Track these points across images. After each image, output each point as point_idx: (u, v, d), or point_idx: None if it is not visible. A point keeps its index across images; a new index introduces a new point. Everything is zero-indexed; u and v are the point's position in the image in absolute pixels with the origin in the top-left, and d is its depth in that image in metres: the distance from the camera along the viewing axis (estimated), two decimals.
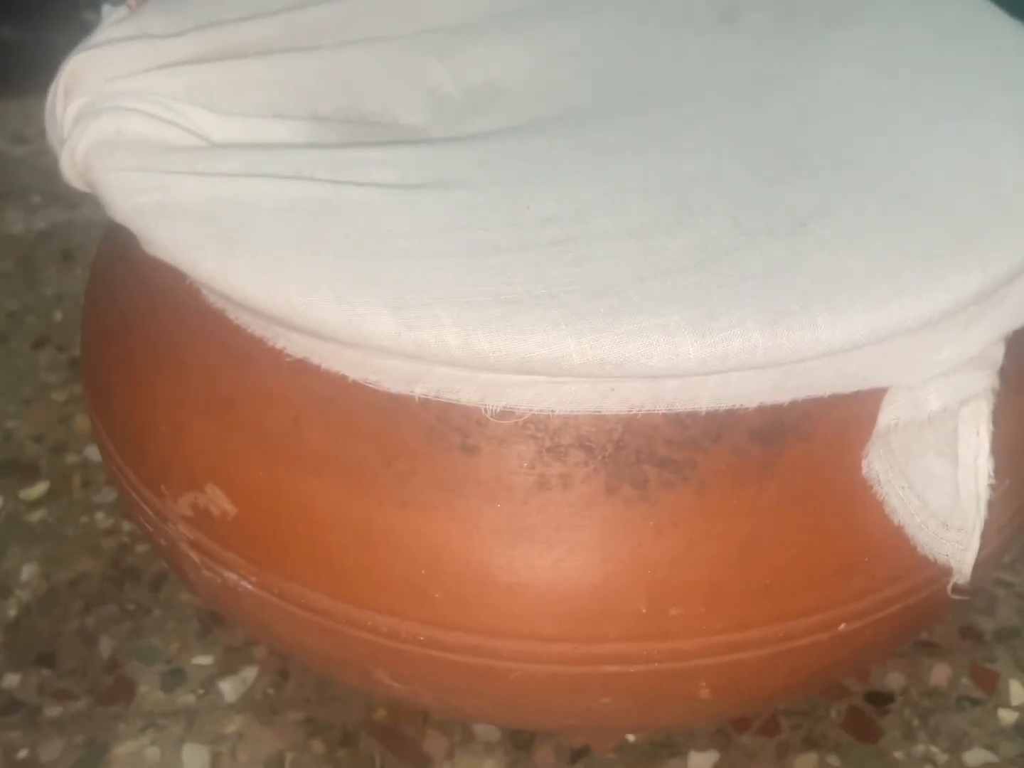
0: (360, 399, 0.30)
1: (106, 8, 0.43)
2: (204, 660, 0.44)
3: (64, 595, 0.47)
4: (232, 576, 0.33)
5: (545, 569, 0.30)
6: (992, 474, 0.30)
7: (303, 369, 0.31)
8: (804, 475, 0.31)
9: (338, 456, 0.31)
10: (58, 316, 0.61)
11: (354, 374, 0.30)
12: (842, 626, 0.32)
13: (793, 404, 0.30)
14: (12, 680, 0.44)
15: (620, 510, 0.30)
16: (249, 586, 0.33)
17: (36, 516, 0.50)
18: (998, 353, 0.31)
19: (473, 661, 0.31)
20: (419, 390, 0.30)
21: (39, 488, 0.51)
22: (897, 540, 0.31)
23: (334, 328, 0.28)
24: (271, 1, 0.41)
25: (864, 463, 0.31)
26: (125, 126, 0.34)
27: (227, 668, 0.44)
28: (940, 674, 0.45)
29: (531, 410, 0.29)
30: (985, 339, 0.30)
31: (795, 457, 0.30)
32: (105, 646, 0.45)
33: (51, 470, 0.52)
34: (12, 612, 0.46)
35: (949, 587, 0.31)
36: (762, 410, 0.30)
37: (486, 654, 0.31)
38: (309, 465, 0.31)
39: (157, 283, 0.34)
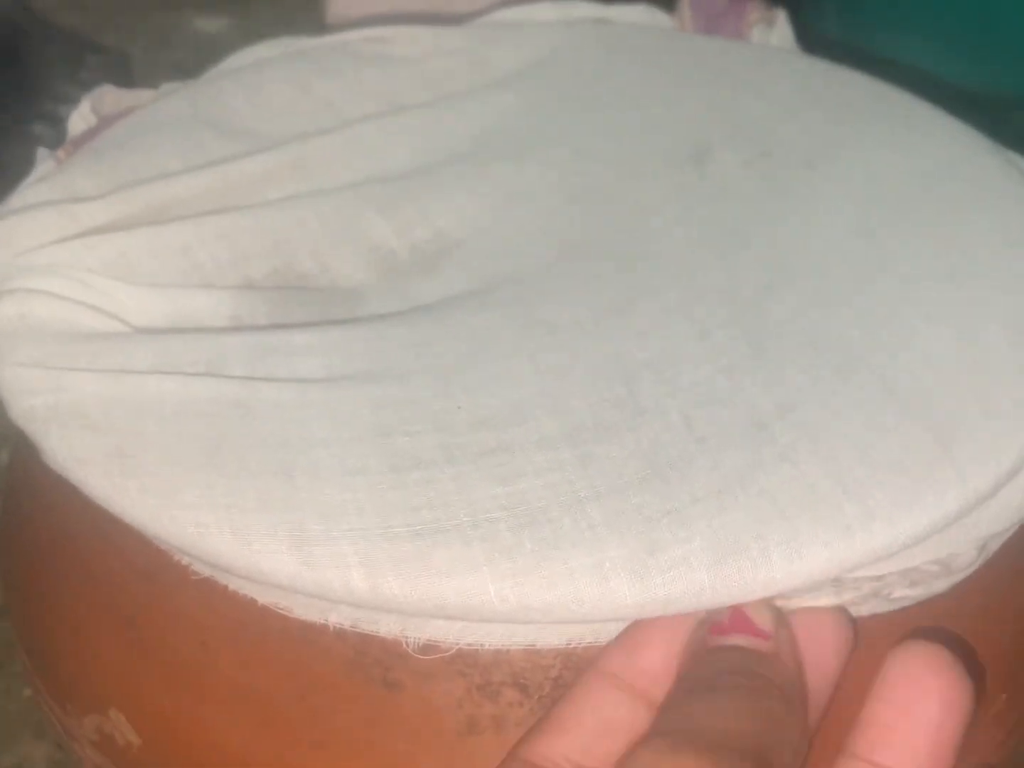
0: (271, 624, 0.27)
1: (40, 152, 0.40)
2: None
3: None
4: None
5: None
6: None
7: (210, 589, 0.28)
8: None
9: (249, 687, 0.28)
10: None
11: (263, 598, 0.27)
12: None
13: None
14: None
15: None
16: None
17: None
18: (967, 559, 0.27)
19: None
20: (334, 619, 0.27)
21: None
22: None
23: (229, 564, 0.25)
24: (207, 147, 0.39)
25: None
26: (30, 309, 0.31)
27: None
28: None
29: (458, 644, 0.26)
30: (958, 545, 0.27)
31: None
32: None
33: None
34: None
35: None
36: None
37: None
38: (217, 695, 0.28)
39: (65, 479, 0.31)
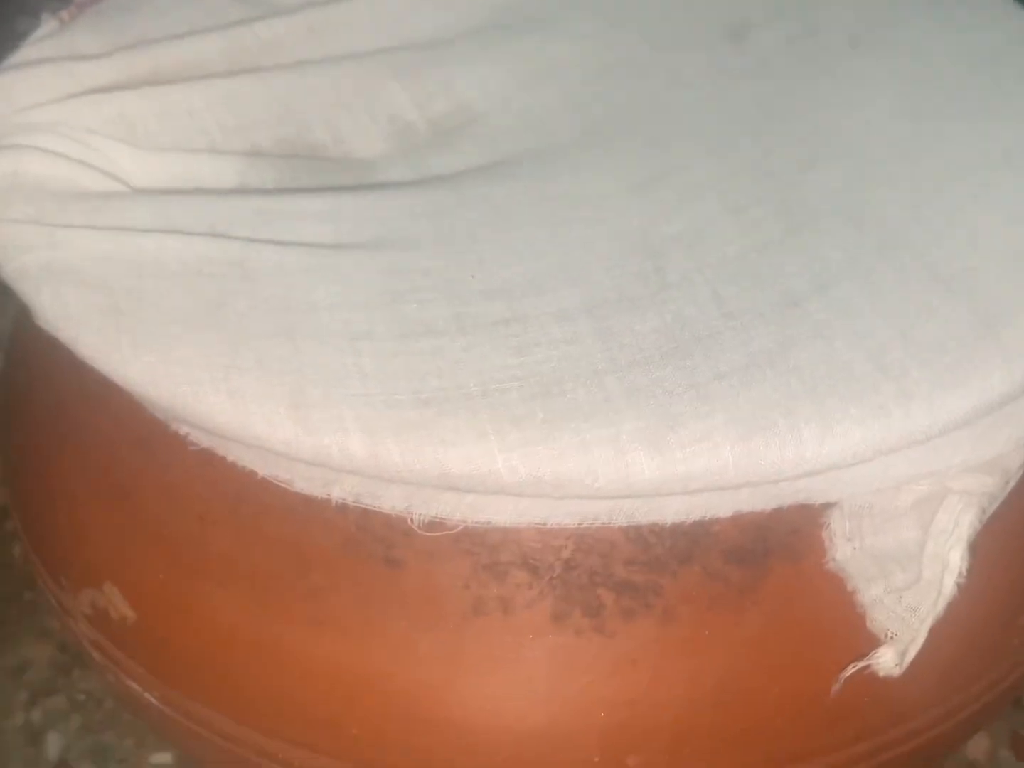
0: (271, 500, 0.26)
1: (44, 17, 0.39)
2: (162, 758, 0.40)
3: (7, 685, 0.43)
4: (134, 686, 0.29)
5: (481, 706, 0.26)
6: (964, 573, 0.25)
7: (208, 460, 0.26)
8: (791, 602, 0.26)
9: (246, 564, 0.27)
10: None
11: (263, 471, 0.26)
12: None
13: (778, 514, 0.25)
14: None
15: (569, 641, 0.25)
16: (152, 699, 0.29)
17: None
18: (1015, 461, 0.26)
19: None
20: (336, 493, 0.25)
21: None
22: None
23: (223, 426, 0.24)
24: (220, 12, 0.37)
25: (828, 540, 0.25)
26: (26, 166, 0.30)
27: (188, 765, 0.40)
28: (977, 747, 0.40)
29: (465, 521, 0.25)
30: (1003, 444, 0.25)
31: (781, 580, 0.26)
32: (53, 745, 0.41)
33: None
34: None
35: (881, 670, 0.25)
36: (740, 523, 0.25)
37: None
38: (214, 572, 0.27)
39: (60, 344, 0.29)
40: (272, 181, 0.31)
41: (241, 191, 0.30)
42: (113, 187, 0.30)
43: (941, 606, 0.24)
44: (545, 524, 0.25)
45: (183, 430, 0.27)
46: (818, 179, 0.30)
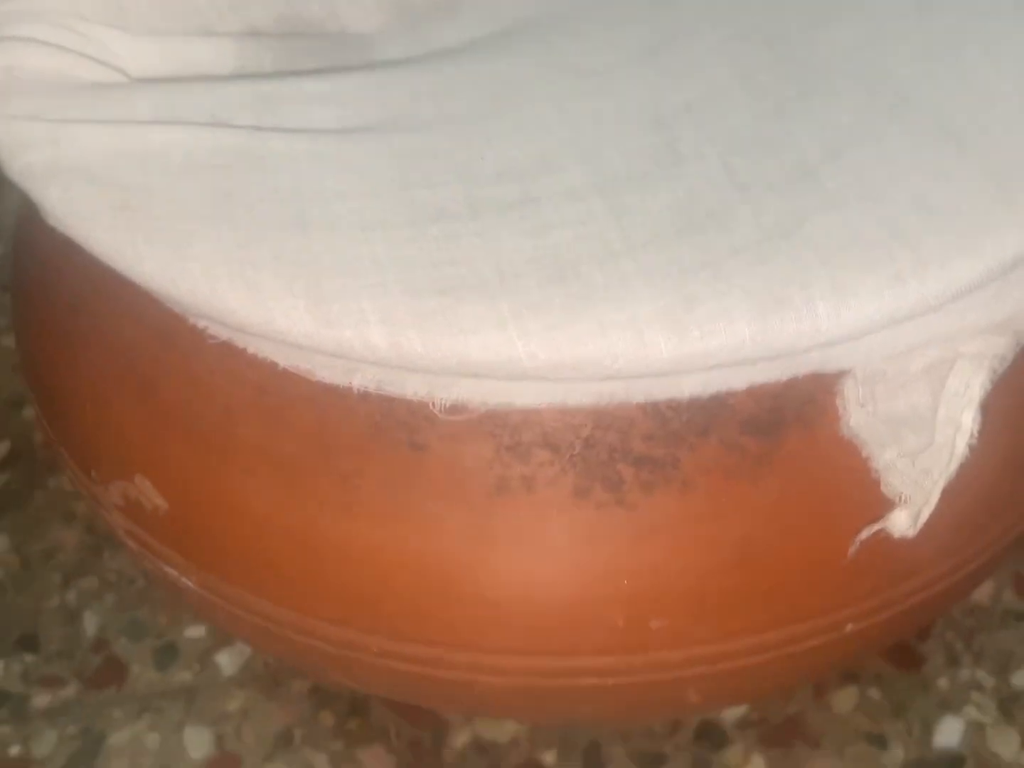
0: (294, 390, 0.26)
1: None
2: (197, 632, 0.41)
3: (40, 569, 0.44)
4: (172, 571, 0.30)
5: (508, 579, 0.27)
6: (975, 434, 0.25)
7: (230, 352, 0.27)
8: (807, 469, 0.26)
9: (274, 452, 0.27)
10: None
11: (285, 362, 0.26)
12: (848, 627, 0.28)
13: (792, 384, 0.26)
14: None
15: (591, 515, 0.26)
16: (190, 584, 0.30)
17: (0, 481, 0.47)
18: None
19: (433, 673, 0.28)
20: (357, 382, 0.26)
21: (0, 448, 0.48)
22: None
23: (242, 321, 0.24)
24: None
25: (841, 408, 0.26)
26: (20, 60, 0.29)
27: (223, 639, 0.41)
28: (981, 590, 0.41)
29: (486, 404, 0.25)
30: (1014, 305, 0.25)
31: (796, 448, 0.26)
32: (90, 623, 0.42)
33: (8, 427, 0.49)
34: None
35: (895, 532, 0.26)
36: (755, 395, 0.26)
37: (446, 666, 0.28)
38: (243, 461, 0.27)
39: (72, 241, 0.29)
40: (270, 63, 0.31)
41: (240, 76, 0.29)
42: (111, 77, 0.29)
43: (953, 467, 0.25)
44: (564, 404, 0.25)
45: (202, 324, 0.27)
46: (829, 38, 0.29)
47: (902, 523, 0.25)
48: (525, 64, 0.29)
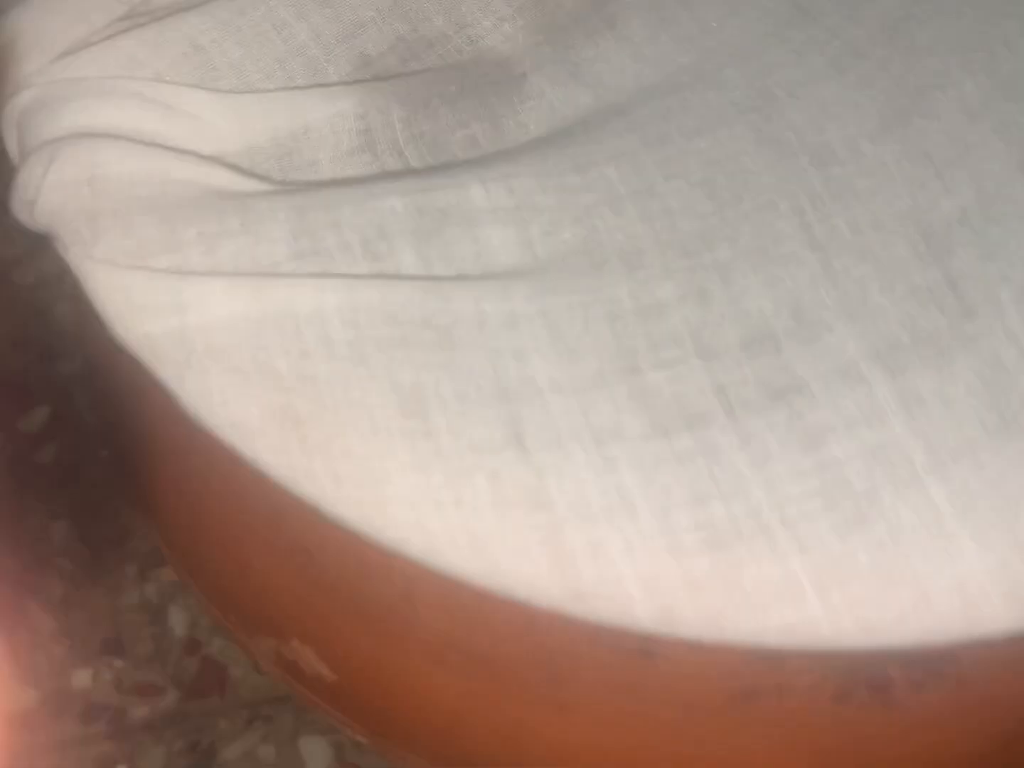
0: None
1: None
2: None
3: (111, 559, 0.40)
4: (335, 720, 0.27)
5: None
6: None
7: None
8: None
9: (467, 646, 0.23)
10: None
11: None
12: None
13: None
14: (83, 678, 0.38)
15: (852, 715, 0.23)
16: (361, 738, 0.27)
17: (47, 454, 0.42)
18: None
19: None
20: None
21: (39, 414, 0.42)
22: None
23: (467, 577, 0.20)
24: None
25: None
26: (103, 168, 0.23)
27: None
28: None
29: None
30: None
31: None
32: (176, 621, 0.39)
33: (46, 389, 0.42)
34: (56, 588, 0.40)
35: None
36: None
37: None
38: (428, 649, 0.24)
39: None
40: (402, 122, 0.25)
41: (387, 176, 0.23)
42: (216, 176, 0.23)
43: None
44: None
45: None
46: None
47: None
48: (744, 135, 0.23)
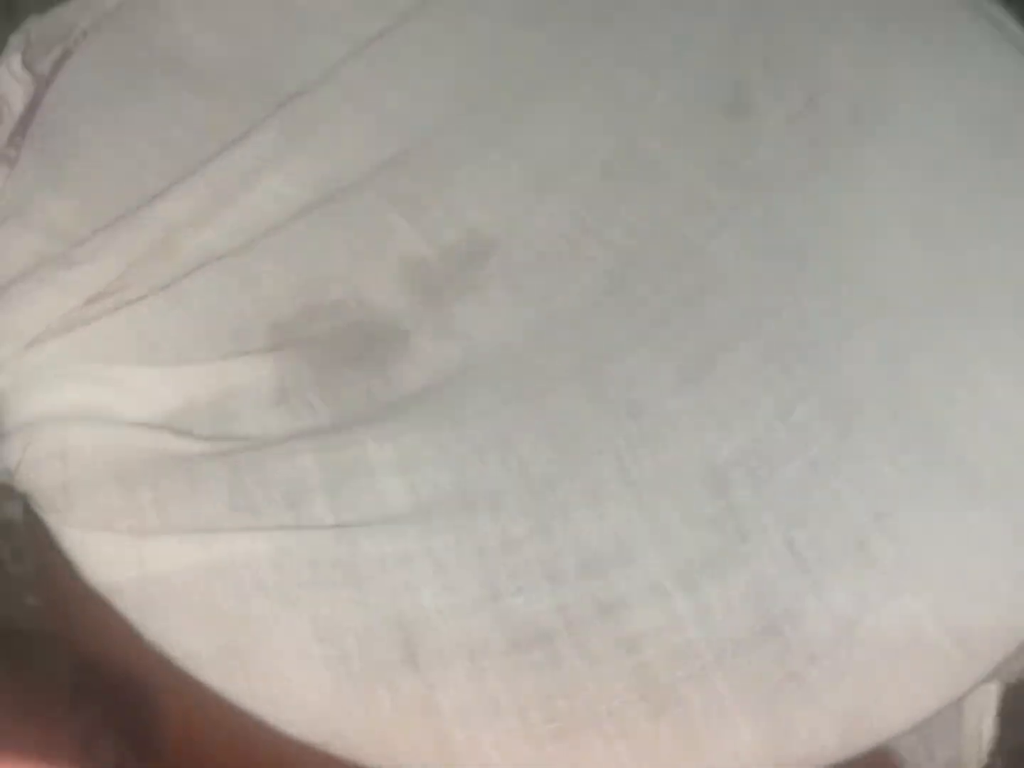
0: None
1: None
2: None
3: None
4: None
5: None
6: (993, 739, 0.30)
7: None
8: None
9: None
10: None
11: None
12: None
13: None
14: None
15: None
16: None
17: None
18: None
19: None
20: None
21: None
22: None
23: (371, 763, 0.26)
24: (180, 109, 0.34)
25: None
26: (72, 441, 0.29)
27: None
28: None
29: None
30: None
31: None
32: None
33: None
34: None
35: None
36: None
37: None
38: None
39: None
40: (311, 382, 0.31)
41: (300, 436, 0.29)
42: (164, 441, 0.29)
43: None
44: None
45: None
46: (852, 356, 0.31)
47: None
48: (578, 399, 0.30)
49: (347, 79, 0.35)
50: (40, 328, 0.30)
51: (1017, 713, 0.30)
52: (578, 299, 0.32)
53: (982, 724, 0.29)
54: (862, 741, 0.26)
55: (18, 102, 0.34)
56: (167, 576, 0.27)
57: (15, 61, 0.35)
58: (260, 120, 0.34)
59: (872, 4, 0.37)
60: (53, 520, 0.28)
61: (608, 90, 0.35)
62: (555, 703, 0.26)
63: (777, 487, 0.29)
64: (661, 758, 0.26)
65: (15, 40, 0.35)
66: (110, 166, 0.33)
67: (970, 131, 0.34)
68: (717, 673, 0.27)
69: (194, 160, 0.33)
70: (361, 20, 0.37)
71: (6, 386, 0.29)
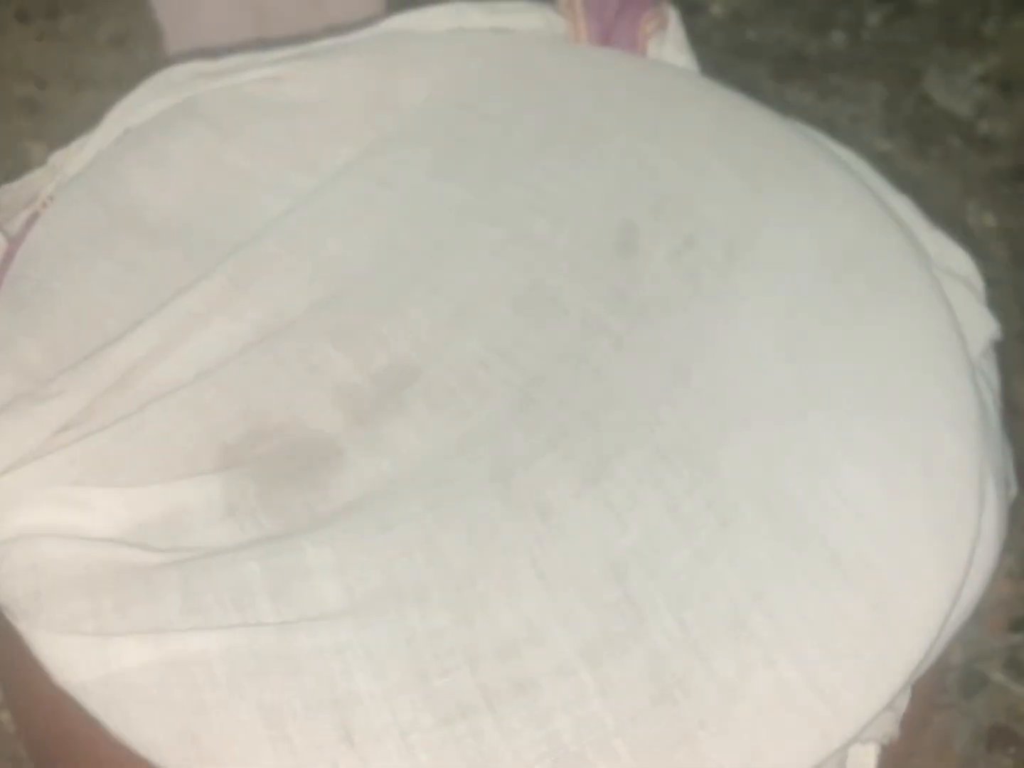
0: None
1: None
2: None
3: None
4: None
5: None
6: None
7: None
8: None
9: None
10: None
11: None
12: None
13: None
14: None
15: None
16: None
17: None
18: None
19: None
20: None
21: None
22: None
23: None
24: (138, 262, 0.39)
25: None
26: (39, 556, 0.32)
27: None
28: None
29: None
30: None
31: None
32: None
33: None
34: None
35: None
36: None
37: None
38: None
39: None
40: (255, 496, 0.35)
41: (248, 545, 0.33)
42: (127, 556, 0.33)
43: None
44: None
45: None
46: (728, 456, 0.35)
47: None
48: (492, 504, 0.34)
49: (287, 230, 0.40)
50: (16, 456, 0.34)
51: None
52: (492, 415, 0.37)
53: None
54: None
55: None
56: (128, 672, 0.31)
57: None
58: (209, 269, 0.39)
59: (742, 155, 0.43)
60: (24, 626, 0.31)
61: (517, 234, 0.41)
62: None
63: (668, 573, 0.33)
64: None
65: None
66: (76, 313, 0.37)
67: (825, 255, 0.40)
68: (617, 739, 0.30)
69: (150, 305, 0.38)
70: (299, 178, 0.42)
71: None
